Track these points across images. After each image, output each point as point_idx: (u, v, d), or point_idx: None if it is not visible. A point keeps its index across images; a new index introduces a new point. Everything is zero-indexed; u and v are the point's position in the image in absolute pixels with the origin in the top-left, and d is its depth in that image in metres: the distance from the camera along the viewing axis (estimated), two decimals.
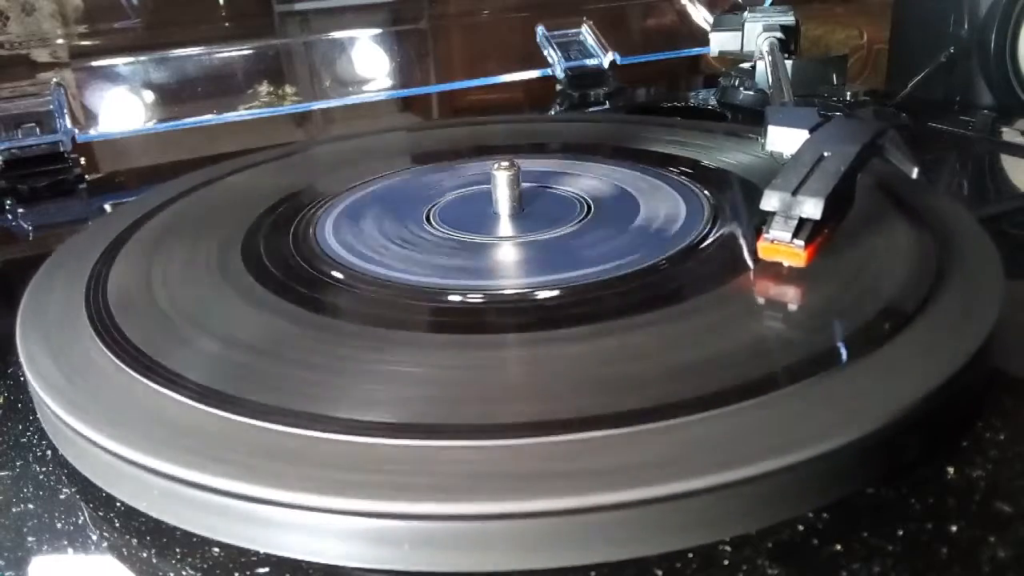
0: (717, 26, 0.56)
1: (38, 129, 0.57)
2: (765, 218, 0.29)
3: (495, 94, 0.77)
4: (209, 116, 0.65)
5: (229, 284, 0.31)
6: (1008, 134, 0.56)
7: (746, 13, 0.54)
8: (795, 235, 0.28)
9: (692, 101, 0.69)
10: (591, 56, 0.74)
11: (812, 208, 0.27)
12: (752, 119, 0.58)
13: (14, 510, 0.23)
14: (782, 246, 0.28)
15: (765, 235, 0.28)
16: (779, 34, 0.52)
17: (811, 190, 0.28)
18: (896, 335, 0.24)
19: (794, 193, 0.28)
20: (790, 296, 0.28)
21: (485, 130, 0.55)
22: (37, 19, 0.62)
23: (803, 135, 0.33)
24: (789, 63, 0.54)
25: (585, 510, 0.19)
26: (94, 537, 0.22)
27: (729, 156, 0.43)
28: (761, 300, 0.28)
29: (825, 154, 0.30)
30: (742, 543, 0.19)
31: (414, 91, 0.78)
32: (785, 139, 0.34)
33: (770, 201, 0.28)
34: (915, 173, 0.32)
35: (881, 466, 0.21)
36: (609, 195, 0.38)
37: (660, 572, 0.19)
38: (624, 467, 0.19)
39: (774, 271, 0.29)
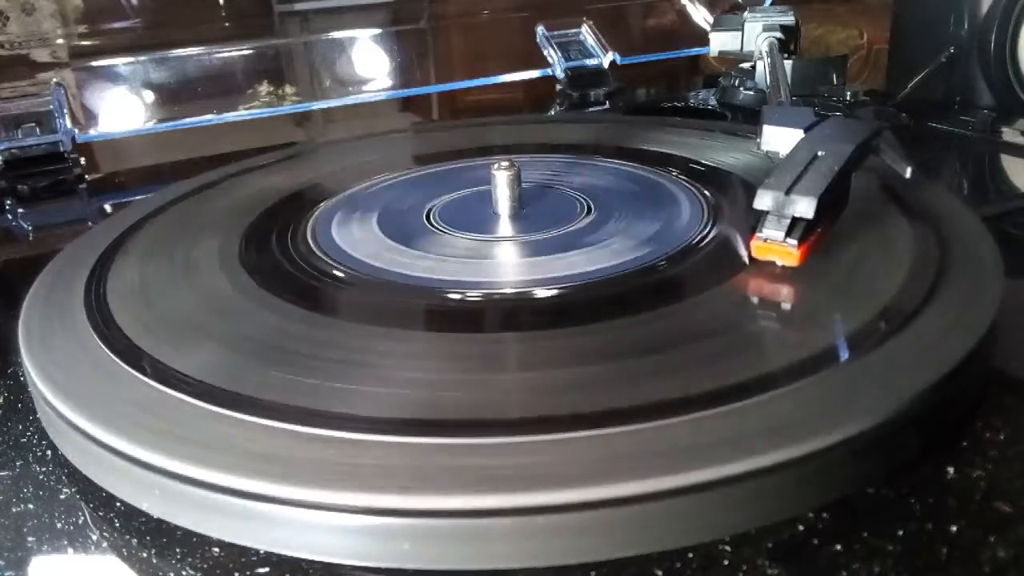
0: (717, 26, 0.56)
1: (38, 129, 0.57)
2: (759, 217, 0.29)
3: (495, 94, 0.77)
4: (209, 116, 0.65)
5: (229, 283, 0.31)
6: (1008, 134, 0.56)
7: (746, 13, 0.54)
8: (788, 234, 0.28)
9: (692, 101, 0.69)
10: (591, 56, 0.74)
11: (805, 207, 0.27)
12: (752, 119, 0.58)
13: (14, 510, 0.23)
14: (775, 245, 0.28)
15: (758, 234, 0.28)
16: (779, 34, 0.52)
17: (804, 189, 0.28)
18: (894, 333, 0.24)
19: (787, 192, 0.28)
20: (784, 295, 0.28)
21: (485, 130, 0.55)
22: (37, 19, 0.62)
23: (798, 134, 0.33)
24: (788, 63, 0.54)
25: (584, 505, 0.19)
26: (94, 537, 0.22)
27: (728, 155, 0.43)
28: (755, 299, 0.28)
29: (819, 153, 0.30)
30: (742, 543, 0.19)
31: (414, 91, 0.78)
32: (780, 138, 0.34)
33: (763, 200, 0.28)
34: (908, 173, 0.32)
35: (881, 465, 0.21)
36: (608, 195, 0.38)
37: (660, 572, 0.19)
38: (623, 463, 0.19)
39: (768, 270, 0.29)
